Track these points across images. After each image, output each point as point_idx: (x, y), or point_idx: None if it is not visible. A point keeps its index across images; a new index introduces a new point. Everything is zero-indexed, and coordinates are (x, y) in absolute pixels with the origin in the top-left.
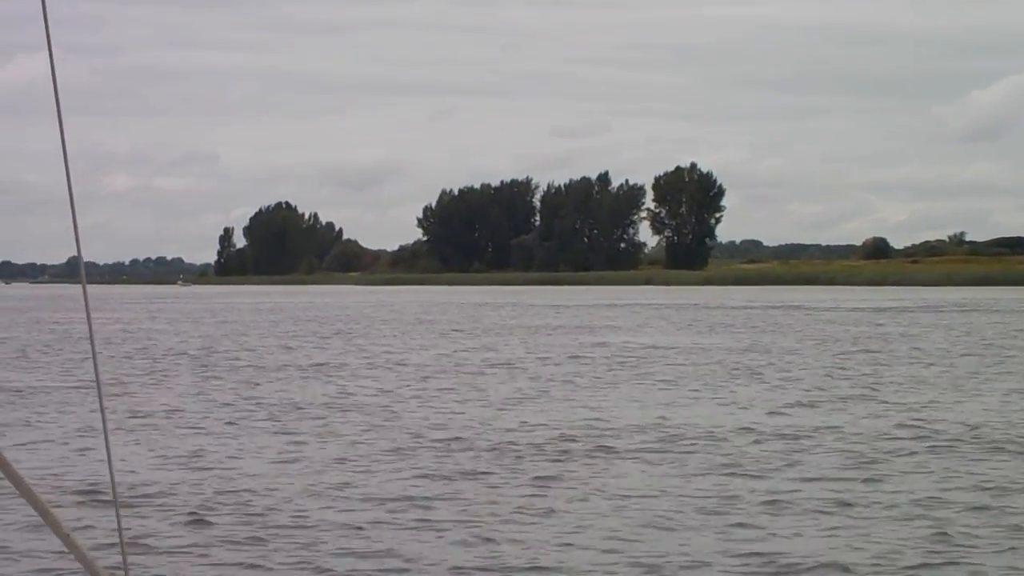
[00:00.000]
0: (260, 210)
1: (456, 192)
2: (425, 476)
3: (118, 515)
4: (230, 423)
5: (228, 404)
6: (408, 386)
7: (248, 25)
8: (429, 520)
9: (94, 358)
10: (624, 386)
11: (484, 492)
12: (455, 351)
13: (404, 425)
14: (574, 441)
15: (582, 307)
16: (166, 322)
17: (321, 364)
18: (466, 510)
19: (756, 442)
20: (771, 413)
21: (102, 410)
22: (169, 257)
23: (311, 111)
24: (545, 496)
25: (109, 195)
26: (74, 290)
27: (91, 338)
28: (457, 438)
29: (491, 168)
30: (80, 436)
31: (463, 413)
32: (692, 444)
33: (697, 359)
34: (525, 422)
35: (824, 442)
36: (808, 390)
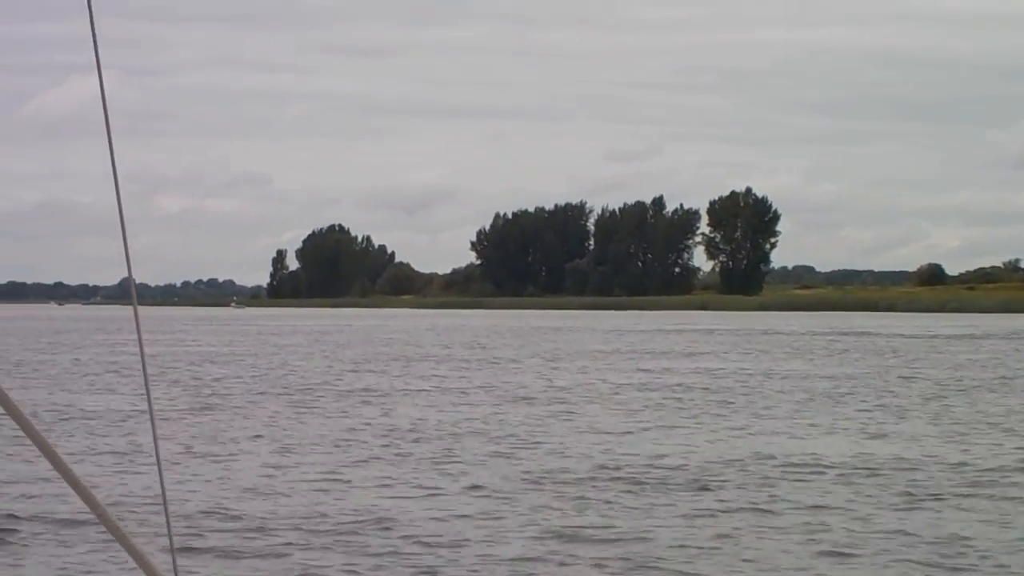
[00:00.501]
0: (313, 232)
1: (510, 216)
2: (591, 507)
3: (167, 514)
4: (348, 447)
5: (352, 429)
6: (520, 412)
7: (302, 47)
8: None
9: (144, 376)
10: (743, 414)
11: (681, 525)
12: (553, 377)
13: (537, 453)
14: (745, 469)
15: (651, 332)
16: (248, 344)
17: (428, 390)
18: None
19: (916, 469)
20: (911, 440)
21: (153, 426)
22: (220, 279)
23: (364, 133)
24: (739, 527)
25: (161, 217)
26: (149, 312)
27: (142, 357)
28: (618, 468)
29: (544, 192)
30: (188, 460)
31: (605, 441)
32: (858, 473)
33: (797, 385)
34: (662, 454)
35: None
36: (934, 419)
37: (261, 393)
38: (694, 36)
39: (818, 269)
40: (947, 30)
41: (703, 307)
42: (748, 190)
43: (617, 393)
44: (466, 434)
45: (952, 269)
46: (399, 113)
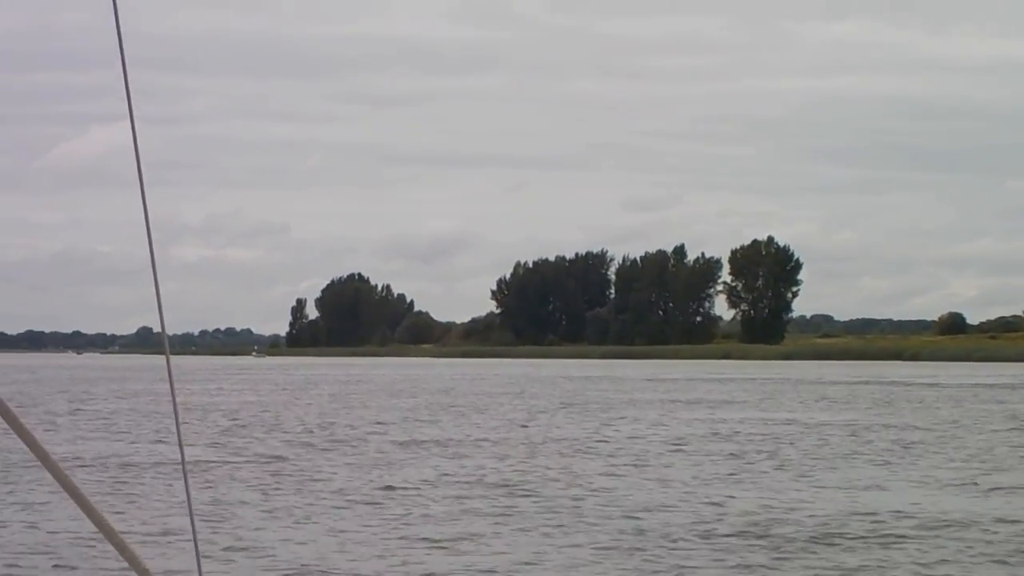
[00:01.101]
0: (332, 281)
1: (530, 264)
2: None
3: (196, 547)
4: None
5: (427, 480)
6: (595, 465)
7: (321, 97)
8: None
9: (177, 423)
10: (844, 466)
11: None
12: (604, 428)
13: (636, 512)
14: (862, 527)
15: (692, 381)
16: (287, 395)
17: (479, 439)
18: None
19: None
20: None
21: (184, 474)
22: (238, 328)
23: (383, 182)
24: None
25: (180, 266)
26: (155, 360)
27: (174, 406)
28: (735, 527)
29: (563, 240)
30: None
31: (696, 496)
32: (967, 529)
33: (855, 436)
34: (769, 505)
35: None
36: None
37: (334, 443)
38: (714, 85)
39: (836, 318)
40: (966, 79)
41: (726, 356)
42: (770, 239)
43: (684, 443)
44: (585, 490)
45: (972, 318)
46: (418, 162)
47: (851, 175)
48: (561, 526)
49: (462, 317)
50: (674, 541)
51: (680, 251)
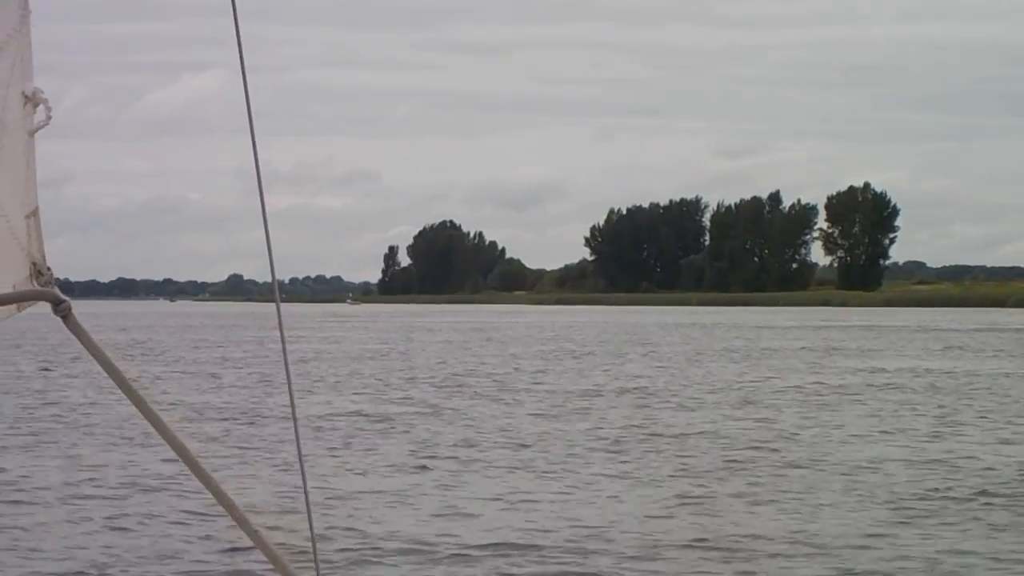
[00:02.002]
0: (424, 229)
1: (624, 211)
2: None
3: (310, 515)
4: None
5: (596, 432)
6: (791, 415)
7: (413, 45)
8: None
9: (287, 373)
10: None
11: None
12: (760, 377)
13: (846, 466)
14: None
15: (804, 328)
16: (414, 342)
17: (641, 388)
18: None
19: None
20: None
21: (295, 422)
22: (328, 276)
23: (473, 130)
24: None
25: (271, 213)
26: (250, 308)
27: (284, 355)
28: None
29: (654, 188)
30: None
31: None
32: None
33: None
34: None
35: None
36: None
37: (481, 393)
38: (804, 32)
39: (929, 264)
40: None
41: (826, 303)
42: (866, 185)
43: (863, 393)
44: (776, 441)
45: None
46: (509, 110)
47: (943, 122)
48: (847, 490)
49: (554, 264)
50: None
51: (776, 197)
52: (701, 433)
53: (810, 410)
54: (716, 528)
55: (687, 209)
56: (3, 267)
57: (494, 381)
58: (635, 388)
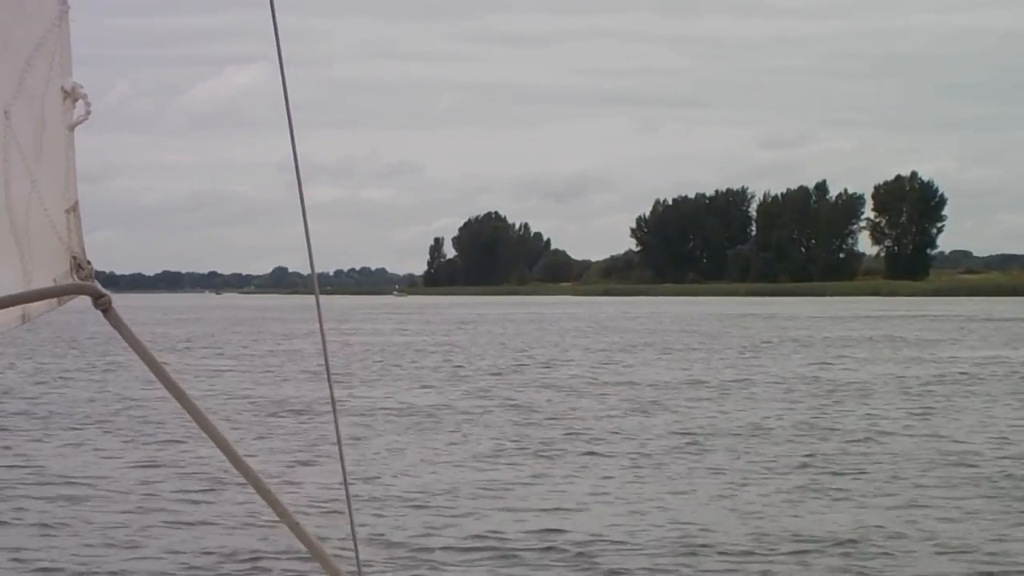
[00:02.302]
0: (469, 220)
1: (670, 201)
2: None
3: (351, 512)
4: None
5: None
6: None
7: (455, 36)
8: None
9: (327, 366)
10: None
11: None
12: (839, 368)
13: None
14: None
15: (862, 319)
16: (479, 334)
17: (733, 381)
18: None
19: None
20: None
21: (335, 415)
22: (373, 268)
23: (517, 122)
24: None
25: (314, 206)
26: (296, 300)
27: (324, 347)
28: None
29: (698, 178)
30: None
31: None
32: None
33: None
34: None
35: None
36: None
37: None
38: (847, 22)
39: (975, 253)
40: None
41: (875, 293)
42: (913, 174)
43: (949, 383)
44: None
45: None
46: (552, 101)
47: (987, 111)
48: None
49: (599, 255)
50: None
51: (822, 187)
52: (796, 426)
53: (902, 400)
54: (836, 524)
55: (733, 199)
56: (43, 261)
57: (570, 375)
58: (716, 381)
